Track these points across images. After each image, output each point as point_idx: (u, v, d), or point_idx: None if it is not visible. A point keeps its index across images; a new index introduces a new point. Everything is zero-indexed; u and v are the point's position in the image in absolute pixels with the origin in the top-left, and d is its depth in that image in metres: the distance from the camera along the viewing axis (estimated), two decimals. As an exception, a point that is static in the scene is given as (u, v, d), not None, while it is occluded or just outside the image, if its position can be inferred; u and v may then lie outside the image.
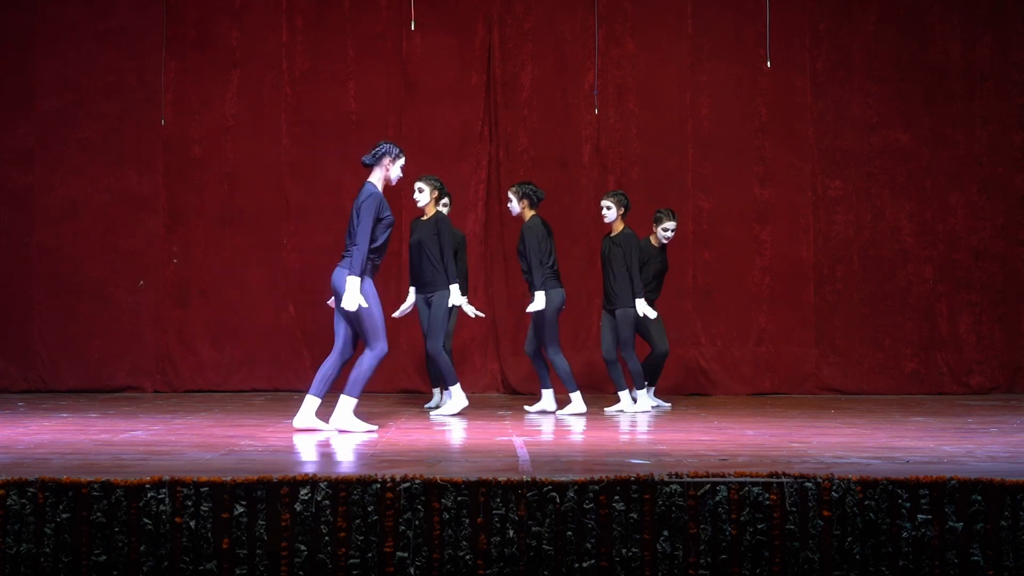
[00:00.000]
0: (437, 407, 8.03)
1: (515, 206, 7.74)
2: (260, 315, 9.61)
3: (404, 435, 6.64)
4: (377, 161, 6.38)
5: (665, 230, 8.20)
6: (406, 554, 4.40)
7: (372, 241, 6.26)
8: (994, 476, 4.53)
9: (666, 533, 4.44)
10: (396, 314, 7.95)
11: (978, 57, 9.87)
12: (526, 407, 8.11)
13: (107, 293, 9.71)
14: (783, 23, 9.72)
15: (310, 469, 4.77)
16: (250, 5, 9.85)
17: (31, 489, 4.41)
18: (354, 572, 4.39)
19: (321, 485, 4.43)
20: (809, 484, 4.48)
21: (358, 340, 6.52)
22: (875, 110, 9.87)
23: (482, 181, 9.81)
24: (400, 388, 9.62)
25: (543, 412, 7.88)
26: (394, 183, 6.46)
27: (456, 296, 7.66)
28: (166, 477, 4.44)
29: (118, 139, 9.76)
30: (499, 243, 9.79)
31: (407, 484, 4.44)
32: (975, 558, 4.44)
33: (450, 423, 7.13)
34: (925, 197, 9.85)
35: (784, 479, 4.49)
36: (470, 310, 8.09)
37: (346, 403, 6.44)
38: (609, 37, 9.84)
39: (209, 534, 4.39)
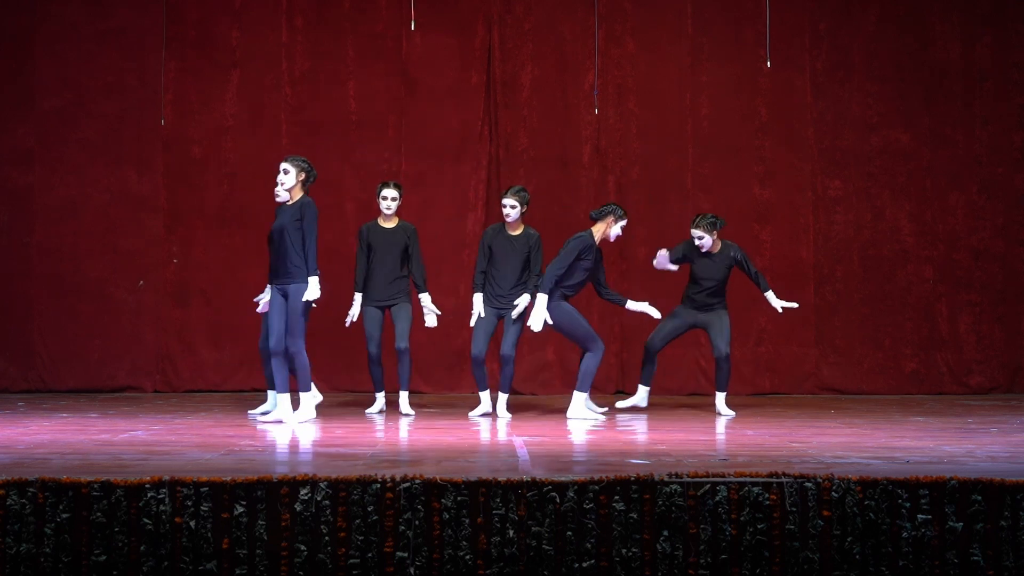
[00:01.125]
0: (266, 413, 7.44)
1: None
2: (260, 315, 9.60)
3: (404, 435, 6.65)
4: (601, 217, 7.63)
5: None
6: (406, 554, 4.40)
7: (568, 277, 7.49)
8: (994, 476, 4.53)
9: (666, 533, 4.44)
10: (260, 309, 7.65)
11: (978, 57, 9.86)
12: (619, 404, 8.10)
13: (107, 293, 9.70)
14: (783, 23, 9.72)
15: (310, 469, 4.77)
16: (250, 5, 9.84)
17: (31, 489, 4.41)
18: (354, 572, 4.39)
19: (321, 485, 4.43)
20: (809, 484, 4.48)
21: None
22: (875, 110, 9.87)
23: (482, 181, 9.81)
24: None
25: (634, 407, 7.95)
26: (612, 240, 7.71)
27: (314, 290, 7.02)
28: (166, 477, 4.44)
29: (118, 139, 9.76)
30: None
31: (407, 484, 4.44)
32: (975, 558, 4.45)
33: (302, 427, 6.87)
34: (925, 197, 9.85)
35: (784, 479, 4.49)
36: (430, 312, 7.83)
37: (579, 397, 7.57)
38: (609, 37, 9.84)
39: (209, 534, 4.39)
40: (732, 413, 7.91)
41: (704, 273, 7.99)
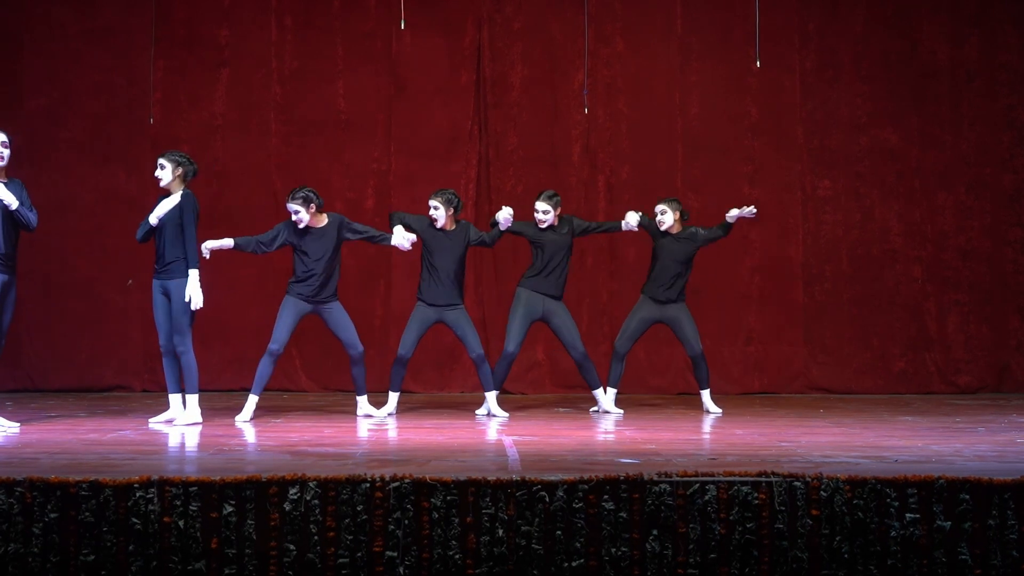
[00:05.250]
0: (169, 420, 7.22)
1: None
2: (249, 314, 9.59)
3: (393, 435, 6.64)
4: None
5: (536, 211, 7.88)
6: (395, 553, 4.39)
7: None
8: (982, 475, 4.55)
9: (655, 532, 4.44)
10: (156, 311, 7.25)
11: (966, 58, 9.90)
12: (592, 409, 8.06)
13: (95, 292, 9.68)
14: (772, 23, 9.74)
15: (299, 469, 4.76)
16: (239, 4, 9.82)
17: (19, 489, 4.40)
18: (343, 572, 4.38)
19: (310, 485, 4.43)
20: (798, 483, 4.49)
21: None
22: (864, 110, 9.90)
23: (472, 180, 9.80)
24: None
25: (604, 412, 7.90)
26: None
27: (194, 285, 6.94)
28: (155, 477, 4.43)
29: (106, 138, 9.73)
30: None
31: (396, 484, 4.44)
32: (963, 557, 4.46)
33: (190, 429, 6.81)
34: (914, 197, 9.88)
35: (773, 478, 4.50)
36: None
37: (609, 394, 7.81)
38: (599, 37, 9.84)
39: (198, 534, 4.38)
40: (719, 410, 7.92)
41: (666, 255, 7.90)
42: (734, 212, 7.95)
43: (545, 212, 7.77)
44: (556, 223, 7.85)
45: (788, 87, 9.89)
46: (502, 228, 7.79)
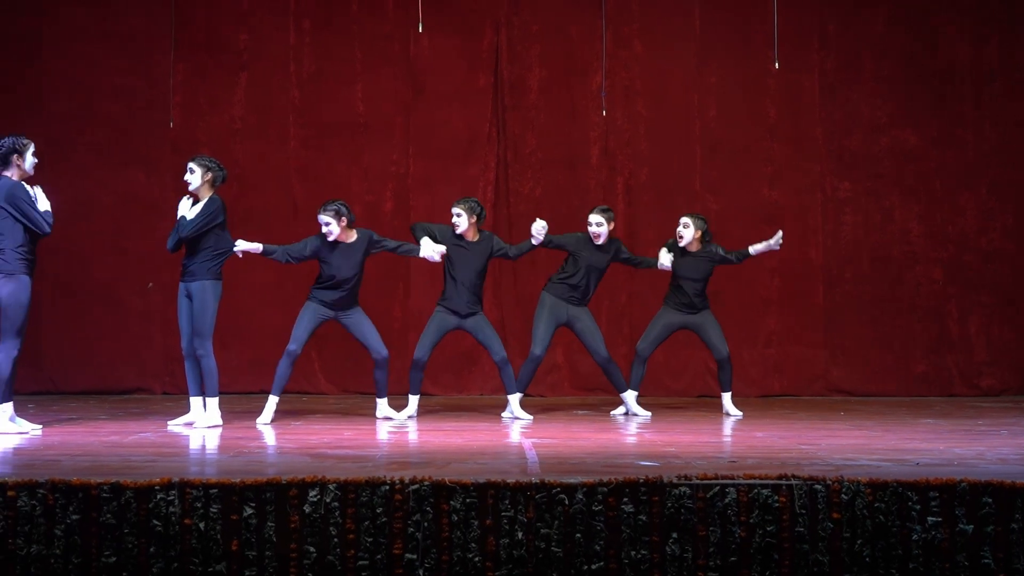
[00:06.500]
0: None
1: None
2: (268, 317, 9.61)
3: (412, 437, 6.65)
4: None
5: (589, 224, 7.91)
6: (415, 556, 4.39)
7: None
8: (1004, 478, 4.52)
9: (675, 535, 4.43)
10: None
11: (987, 58, 9.84)
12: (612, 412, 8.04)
13: (116, 295, 9.72)
14: (791, 24, 9.70)
15: (319, 471, 4.76)
16: (258, 8, 9.86)
17: (41, 491, 4.42)
18: (363, 574, 4.39)
19: (330, 487, 4.43)
20: (819, 486, 4.47)
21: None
22: (884, 111, 9.85)
23: (490, 183, 9.80)
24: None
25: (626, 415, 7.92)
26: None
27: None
28: (175, 479, 4.45)
29: (126, 141, 9.77)
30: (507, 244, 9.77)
31: (416, 486, 4.44)
32: (985, 561, 4.43)
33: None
34: (934, 198, 9.83)
35: (793, 481, 4.48)
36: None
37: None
38: (617, 39, 9.83)
39: (218, 536, 4.39)
40: (740, 413, 7.90)
41: (686, 273, 7.93)
42: (760, 246, 7.95)
43: (599, 225, 7.76)
44: (605, 242, 7.82)
45: (807, 88, 9.85)
46: (535, 243, 7.76)
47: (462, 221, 7.62)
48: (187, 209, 7.11)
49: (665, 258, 7.93)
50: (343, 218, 7.39)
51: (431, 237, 7.63)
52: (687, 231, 7.90)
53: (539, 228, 7.69)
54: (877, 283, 9.80)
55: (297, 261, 7.60)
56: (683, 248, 7.94)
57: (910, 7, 9.87)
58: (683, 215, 8.04)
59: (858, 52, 9.86)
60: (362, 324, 7.55)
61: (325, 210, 7.41)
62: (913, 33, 9.86)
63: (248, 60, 9.84)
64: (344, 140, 9.82)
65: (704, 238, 7.96)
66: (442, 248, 7.57)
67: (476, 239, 7.70)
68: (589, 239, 7.85)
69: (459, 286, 7.63)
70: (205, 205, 7.04)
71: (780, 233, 8.02)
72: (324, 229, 7.41)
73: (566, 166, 9.82)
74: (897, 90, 9.84)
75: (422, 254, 7.56)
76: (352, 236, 7.48)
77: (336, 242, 7.43)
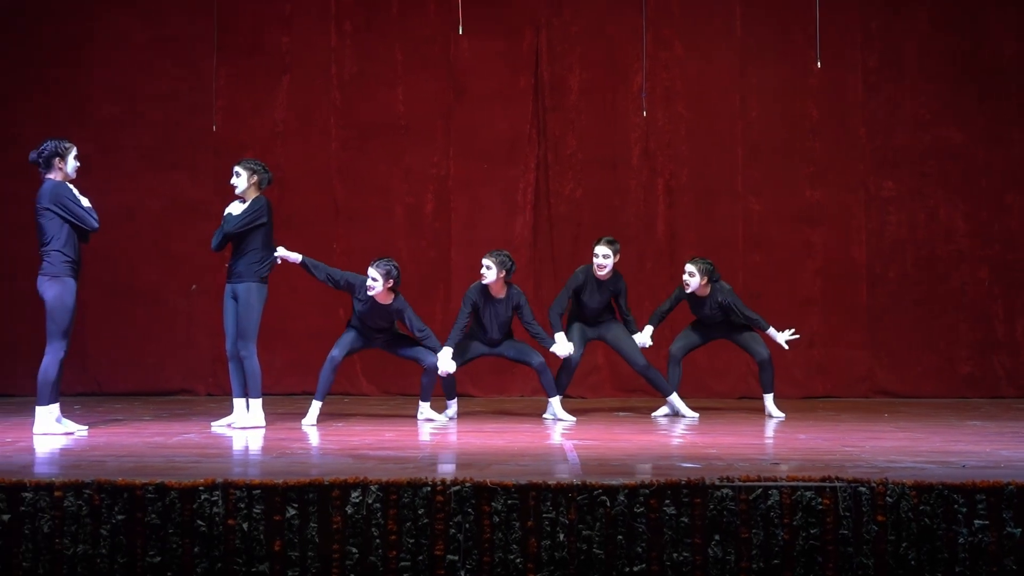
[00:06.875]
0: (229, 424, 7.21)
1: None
2: (310, 318, 9.68)
3: (454, 439, 6.66)
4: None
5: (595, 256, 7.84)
6: (456, 557, 4.40)
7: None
8: (1053, 481, 4.45)
9: (717, 537, 4.41)
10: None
11: (1033, 54, 9.71)
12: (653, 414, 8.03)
13: (161, 297, 9.82)
14: (833, 22, 9.62)
15: (361, 472, 4.78)
16: (300, 11, 9.93)
17: (87, 491, 4.47)
18: (405, 575, 4.40)
19: (372, 488, 4.45)
20: (863, 489, 4.43)
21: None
22: (928, 108, 9.75)
23: (530, 184, 9.80)
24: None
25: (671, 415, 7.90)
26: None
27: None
28: (219, 479, 4.49)
29: (171, 145, 9.88)
30: (547, 247, 9.78)
31: (457, 487, 4.45)
32: (1034, 564, 4.37)
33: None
34: (980, 197, 9.71)
35: (837, 483, 4.45)
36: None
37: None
38: (657, 40, 9.80)
39: (261, 536, 4.43)
40: (782, 415, 7.85)
41: (701, 315, 8.02)
42: (777, 337, 7.88)
43: (605, 257, 7.73)
44: (610, 276, 7.76)
45: (851, 86, 9.76)
46: (551, 347, 7.67)
47: (491, 274, 7.54)
48: (236, 211, 7.16)
49: (646, 338, 7.87)
50: (391, 279, 7.32)
51: (458, 346, 7.55)
52: (692, 279, 7.84)
53: (563, 350, 7.66)
54: (922, 283, 9.69)
55: (332, 286, 7.58)
56: (692, 294, 7.91)
57: (954, 2, 9.76)
58: (687, 262, 7.96)
59: (901, 49, 9.76)
60: (404, 344, 7.58)
61: (377, 265, 7.33)
62: (957, 29, 9.74)
63: (290, 63, 9.91)
64: (385, 142, 9.86)
65: (712, 279, 7.88)
66: (453, 367, 7.45)
67: (503, 295, 7.65)
68: (590, 275, 7.78)
69: (486, 335, 7.74)
70: (251, 203, 7.09)
71: (793, 331, 7.97)
72: (368, 282, 7.33)
73: (606, 167, 9.80)
74: (941, 87, 9.73)
75: (439, 365, 7.43)
76: (390, 299, 7.40)
77: (373, 298, 7.38)
